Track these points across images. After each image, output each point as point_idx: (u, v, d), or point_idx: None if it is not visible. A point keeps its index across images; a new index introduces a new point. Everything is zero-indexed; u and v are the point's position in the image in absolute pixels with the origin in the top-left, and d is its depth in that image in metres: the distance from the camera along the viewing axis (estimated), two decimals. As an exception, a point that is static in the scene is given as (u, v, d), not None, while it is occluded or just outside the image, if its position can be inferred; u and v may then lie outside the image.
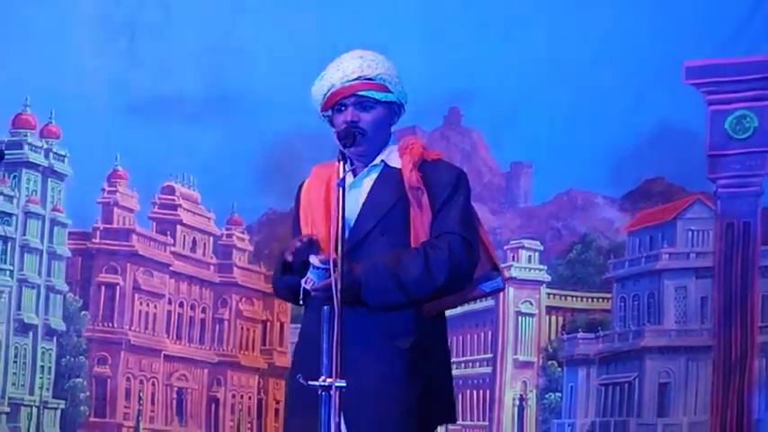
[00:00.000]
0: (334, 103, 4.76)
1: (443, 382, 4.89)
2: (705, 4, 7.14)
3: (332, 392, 4.17)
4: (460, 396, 7.44)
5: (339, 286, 4.36)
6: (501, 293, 6.95)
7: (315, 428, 4.42)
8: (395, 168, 4.78)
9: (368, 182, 4.81)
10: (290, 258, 4.80)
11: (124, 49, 7.82)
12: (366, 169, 4.81)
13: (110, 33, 7.84)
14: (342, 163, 4.46)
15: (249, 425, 7.65)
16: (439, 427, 5.47)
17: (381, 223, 4.74)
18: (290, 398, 5.01)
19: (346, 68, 4.77)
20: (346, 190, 4.53)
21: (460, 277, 4.73)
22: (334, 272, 4.36)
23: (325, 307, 4.28)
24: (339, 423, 4.30)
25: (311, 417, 4.45)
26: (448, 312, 5.15)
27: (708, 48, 7.15)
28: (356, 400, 4.35)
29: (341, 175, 4.42)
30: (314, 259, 4.57)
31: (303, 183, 5.00)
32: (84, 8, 7.86)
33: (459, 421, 7.34)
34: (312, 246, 4.67)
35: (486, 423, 7.42)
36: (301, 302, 4.75)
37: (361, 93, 4.71)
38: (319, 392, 4.18)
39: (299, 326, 5.09)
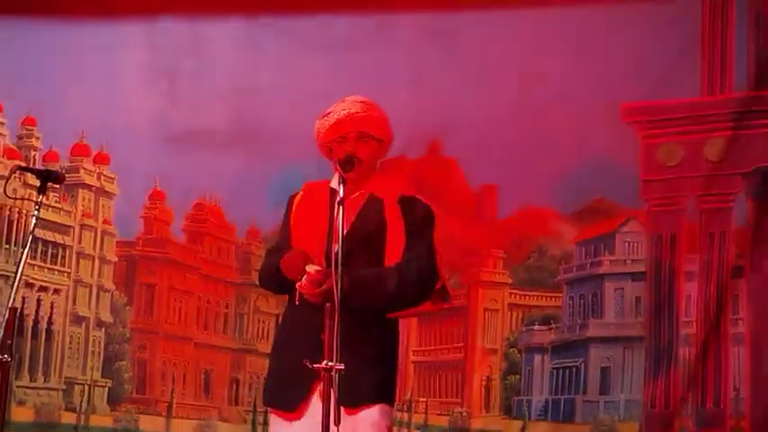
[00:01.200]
0: (338, 136, 5.06)
1: (394, 369, 5.12)
2: (641, 57, 7.29)
3: (332, 374, 4.42)
4: (438, 377, 7.63)
5: (338, 292, 4.54)
6: (470, 293, 7.52)
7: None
8: (378, 199, 5.06)
9: (356, 207, 5.07)
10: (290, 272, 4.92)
11: (164, 90, 8.03)
12: (354, 196, 5.03)
13: (153, 77, 8.05)
14: (342, 186, 4.69)
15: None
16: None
17: (364, 243, 5.03)
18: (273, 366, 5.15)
19: (351, 109, 5.08)
20: (338, 212, 4.75)
21: (424, 293, 5.03)
22: (333, 280, 4.55)
23: (328, 304, 4.50)
24: (335, 398, 4.44)
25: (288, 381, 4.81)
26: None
27: (642, 92, 7.32)
28: (347, 376, 4.50)
29: (341, 195, 4.65)
30: (311, 269, 4.85)
31: (295, 195, 5.23)
32: (132, 56, 8.08)
33: (437, 398, 7.62)
34: (306, 258, 4.92)
35: (459, 400, 7.55)
36: (297, 302, 4.94)
37: (362, 129, 5.02)
38: (322, 372, 4.40)
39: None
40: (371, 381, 4.95)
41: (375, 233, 5.06)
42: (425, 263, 5.00)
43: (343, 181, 4.77)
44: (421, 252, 5.02)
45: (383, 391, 5.04)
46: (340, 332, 4.58)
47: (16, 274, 4.88)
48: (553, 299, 7.59)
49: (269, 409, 5.17)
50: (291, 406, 4.95)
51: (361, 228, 5.06)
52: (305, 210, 5.15)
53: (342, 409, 4.67)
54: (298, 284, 4.90)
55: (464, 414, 7.51)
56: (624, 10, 7.43)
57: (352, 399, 4.83)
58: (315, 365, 4.48)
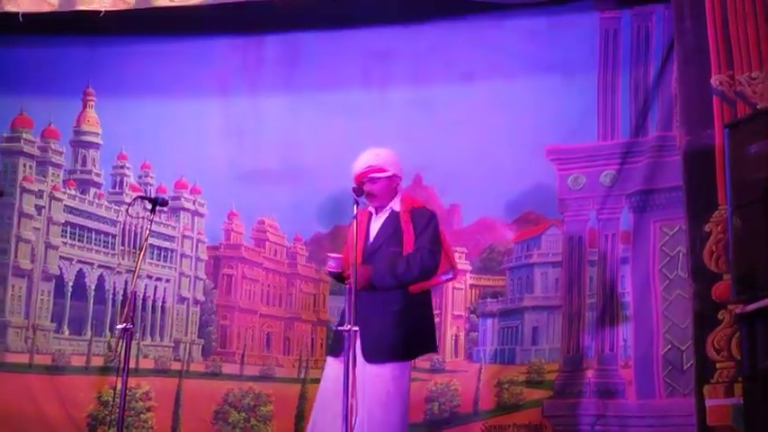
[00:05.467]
0: (358, 179, 5.61)
1: (426, 327, 5.51)
2: (558, 115, 7.75)
3: (350, 334, 4.98)
4: (422, 334, 7.42)
5: (355, 280, 5.06)
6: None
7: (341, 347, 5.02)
8: (397, 212, 5.55)
9: (382, 219, 5.61)
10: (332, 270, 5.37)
11: (236, 142, 8.36)
12: (382, 212, 5.60)
13: (227, 135, 8.39)
14: (355, 206, 5.24)
15: (306, 353, 8.10)
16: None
17: (387, 241, 5.53)
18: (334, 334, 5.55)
19: (363, 160, 5.61)
20: (372, 222, 5.36)
21: (426, 272, 5.45)
22: (352, 272, 5.04)
23: (347, 286, 5.14)
24: (355, 351, 4.98)
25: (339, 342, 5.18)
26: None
27: (559, 138, 7.76)
28: (370, 338, 5.12)
29: (354, 213, 5.23)
30: (332, 255, 5.34)
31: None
32: (212, 121, 8.42)
33: (423, 348, 7.46)
34: (338, 259, 5.39)
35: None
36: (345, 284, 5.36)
37: (369, 175, 5.57)
38: (344, 333, 4.98)
39: (334, 297, 5.92)
40: (394, 340, 5.35)
41: (394, 234, 5.49)
42: (427, 251, 5.40)
43: (356, 203, 5.25)
44: (424, 244, 5.44)
45: (401, 352, 5.41)
46: (372, 307, 5.13)
47: (135, 268, 5.46)
48: (500, 280, 7.87)
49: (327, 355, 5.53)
50: (337, 352, 5.32)
51: (385, 232, 5.52)
52: (352, 227, 5.45)
53: (368, 361, 5.21)
54: (327, 268, 5.37)
55: (440, 360, 7.79)
56: (546, 83, 7.84)
57: (377, 355, 5.30)
58: (339, 328, 5.06)
